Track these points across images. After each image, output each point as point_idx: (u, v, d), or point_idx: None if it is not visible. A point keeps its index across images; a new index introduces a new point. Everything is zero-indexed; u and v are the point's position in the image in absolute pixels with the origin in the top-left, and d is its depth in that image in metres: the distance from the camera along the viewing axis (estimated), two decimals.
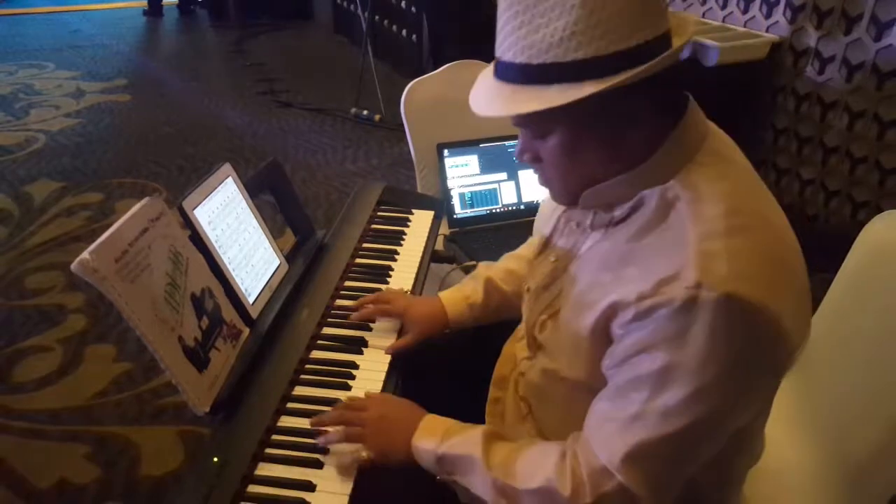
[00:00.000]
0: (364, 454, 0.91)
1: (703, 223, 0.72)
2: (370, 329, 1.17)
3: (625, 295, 0.74)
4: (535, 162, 0.83)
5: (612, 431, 0.76)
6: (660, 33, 0.72)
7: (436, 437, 0.89)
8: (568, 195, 0.85)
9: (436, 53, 3.50)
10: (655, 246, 0.75)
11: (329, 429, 0.94)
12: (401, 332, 1.16)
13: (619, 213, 0.81)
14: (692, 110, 0.79)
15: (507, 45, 0.74)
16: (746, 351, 0.70)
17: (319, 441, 0.92)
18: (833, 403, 1.12)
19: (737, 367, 0.70)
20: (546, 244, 0.97)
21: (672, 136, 0.77)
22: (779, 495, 1.09)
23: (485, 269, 1.21)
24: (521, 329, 1.04)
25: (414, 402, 0.97)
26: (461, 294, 1.18)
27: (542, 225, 1.01)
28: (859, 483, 1.02)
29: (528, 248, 1.22)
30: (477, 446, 0.86)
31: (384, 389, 1.05)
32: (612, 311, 0.76)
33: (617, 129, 0.76)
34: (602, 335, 0.79)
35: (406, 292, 1.25)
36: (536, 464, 0.83)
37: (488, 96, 0.77)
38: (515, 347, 1.08)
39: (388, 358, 1.11)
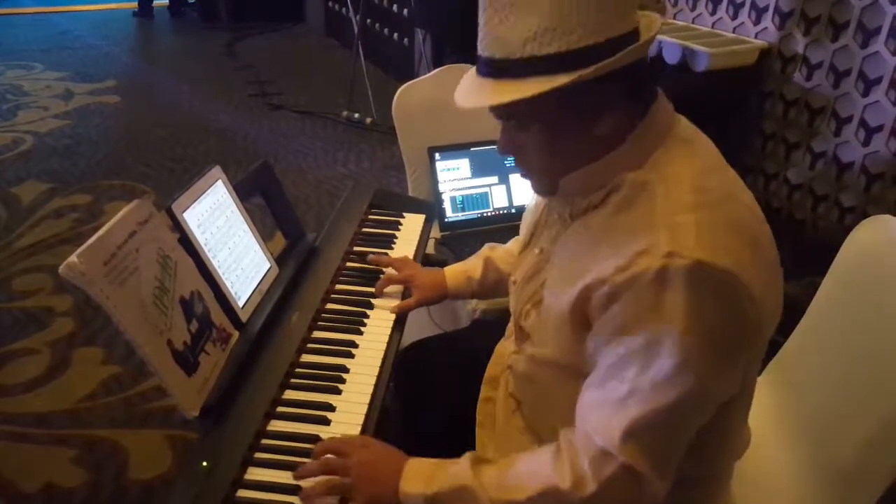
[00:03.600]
0: None
1: (671, 201, 0.77)
2: (361, 333, 1.17)
3: (599, 273, 0.77)
4: (518, 154, 0.87)
5: (606, 414, 0.78)
6: (629, 29, 0.78)
7: (422, 480, 0.87)
8: (548, 185, 0.89)
9: (437, 61, 3.50)
10: (627, 224, 0.79)
11: (310, 481, 0.88)
12: (404, 296, 1.27)
13: (594, 198, 0.84)
14: (660, 100, 0.84)
15: (488, 42, 0.79)
16: (722, 316, 0.73)
17: (301, 497, 0.86)
18: (819, 404, 1.13)
19: (716, 333, 0.73)
20: (531, 237, 1.01)
21: (642, 124, 0.82)
22: (766, 495, 1.10)
23: (488, 249, 1.29)
24: (511, 322, 1.05)
25: (392, 447, 0.93)
26: (462, 268, 1.28)
27: (526, 221, 1.06)
28: (845, 483, 1.03)
29: None
30: (466, 475, 0.84)
31: (375, 392, 1.05)
32: (588, 292, 0.79)
33: (591, 117, 0.80)
34: (580, 316, 0.82)
35: (407, 257, 1.37)
36: (531, 470, 0.83)
37: (471, 90, 0.82)
38: (505, 345, 1.08)
39: (378, 363, 1.11)
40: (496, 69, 0.79)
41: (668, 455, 0.79)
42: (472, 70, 0.85)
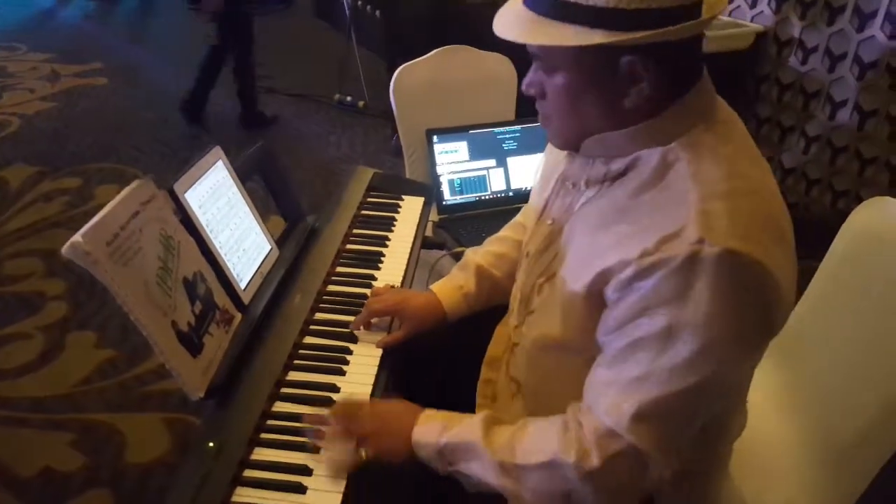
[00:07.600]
0: (364, 454, 0.88)
1: (704, 184, 0.73)
2: None
3: (623, 254, 0.74)
4: (540, 98, 0.84)
5: (616, 394, 0.77)
6: (689, 2, 0.73)
7: (435, 430, 0.88)
8: (563, 138, 0.86)
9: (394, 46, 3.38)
10: (653, 204, 0.76)
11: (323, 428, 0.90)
12: (392, 324, 1.13)
13: (615, 166, 0.81)
14: (704, 80, 0.80)
15: None
16: (748, 306, 0.72)
17: (312, 442, 0.90)
18: (818, 384, 1.15)
19: (740, 322, 0.72)
20: (544, 208, 0.97)
21: (681, 101, 0.78)
22: (765, 472, 1.12)
23: (472, 255, 1.19)
24: (514, 297, 1.03)
25: (406, 399, 0.95)
26: (454, 284, 1.16)
27: (538, 193, 1.01)
28: (843, 461, 1.04)
29: (511, 230, 1.21)
30: (477, 432, 0.85)
31: (378, 373, 1.05)
32: (608, 274, 0.76)
33: (622, 86, 0.76)
34: (596, 298, 0.80)
35: (393, 286, 1.21)
36: (539, 439, 0.83)
37: (510, 20, 0.79)
38: (508, 324, 1.07)
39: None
40: (541, 4, 0.75)
41: (675, 439, 0.78)
42: None
